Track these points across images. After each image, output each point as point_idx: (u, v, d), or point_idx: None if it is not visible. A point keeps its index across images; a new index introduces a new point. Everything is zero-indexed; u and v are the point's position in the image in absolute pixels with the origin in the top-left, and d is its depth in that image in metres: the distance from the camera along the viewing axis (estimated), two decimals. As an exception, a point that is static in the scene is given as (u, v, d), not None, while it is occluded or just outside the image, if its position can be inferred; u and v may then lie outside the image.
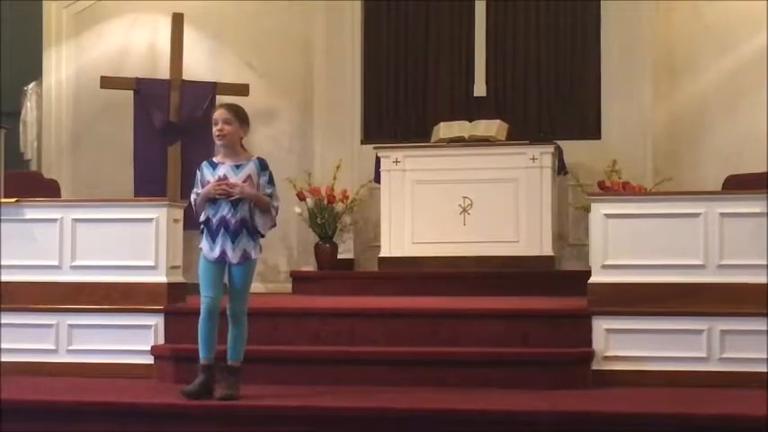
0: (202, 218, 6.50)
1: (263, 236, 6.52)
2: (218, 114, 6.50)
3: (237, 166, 6.46)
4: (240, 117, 6.51)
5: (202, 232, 6.51)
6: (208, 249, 6.44)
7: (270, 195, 6.46)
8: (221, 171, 6.46)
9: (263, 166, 6.51)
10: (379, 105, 10.99)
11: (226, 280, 6.48)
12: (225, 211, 6.40)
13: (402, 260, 9.87)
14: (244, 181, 6.42)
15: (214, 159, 6.58)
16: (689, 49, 10.59)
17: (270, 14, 11.16)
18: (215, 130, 6.48)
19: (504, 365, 6.92)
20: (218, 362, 6.44)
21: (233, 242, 6.39)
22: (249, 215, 6.42)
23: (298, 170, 10.77)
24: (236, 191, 6.37)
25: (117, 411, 6.31)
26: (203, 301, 6.43)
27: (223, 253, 6.40)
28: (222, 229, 6.40)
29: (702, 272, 7.12)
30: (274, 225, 6.59)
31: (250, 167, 6.47)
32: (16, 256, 7.78)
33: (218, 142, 6.52)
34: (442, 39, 10.89)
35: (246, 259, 6.42)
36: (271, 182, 6.50)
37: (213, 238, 6.43)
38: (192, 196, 6.58)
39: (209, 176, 6.49)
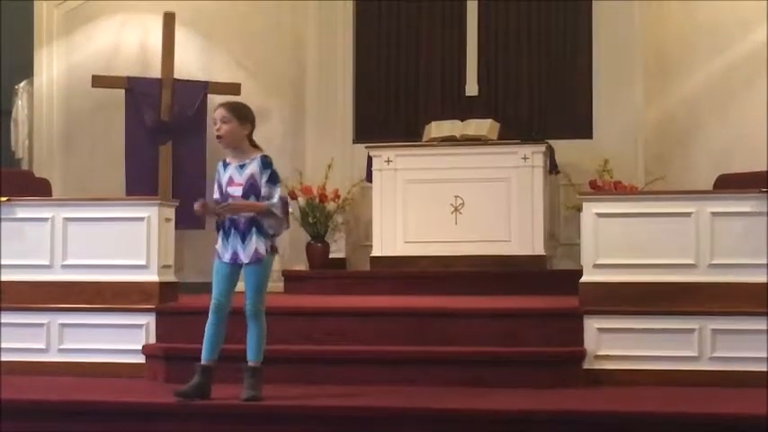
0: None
1: (275, 235, 6.39)
2: (217, 114, 6.37)
3: (242, 166, 6.36)
4: (240, 114, 6.36)
5: (218, 231, 6.45)
6: (222, 250, 6.38)
7: (270, 196, 6.29)
8: (229, 172, 6.39)
9: (264, 164, 6.34)
10: (371, 104, 10.98)
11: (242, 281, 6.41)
12: None
13: (394, 259, 9.87)
14: (247, 181, 6.32)
15: (227, 159, 6.48)
16: (680, 49, 10.60)
17: (261, 13, 11.16)
18: (215, 130, 6.40)
19: (496, 365, 6.92)
20: (218, 363, 6.40)
21: (243, 242, 6.31)
22: (257, 214, 6.31)
23: (289, 169, 10.75)
24: (227, 212, 6.30)
25: (107, 411, 6.29)
26: (211, 301, 6.40)
27: (235, 254, 6.33)
28: (233, 229, 6.33)
29: (694, 271, 7.13)
30: (287, 224, 6.44)
31: (253, 167, 6.34)
32: (7, 255, 7.76)
33: (219, 143, 6.44)
34: (434, 38, 10.88)
35: (258, 259, 6.30)
36: (272, 180, 6.32)
37: (227, 239, 6.36)
38: (215, 195, 6.50)
39: (220, 177, 6.43)
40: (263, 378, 6.35)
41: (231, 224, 6.34)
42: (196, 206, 6.34)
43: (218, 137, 6.36)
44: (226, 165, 6.44)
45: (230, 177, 6.37)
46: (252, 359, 6.35)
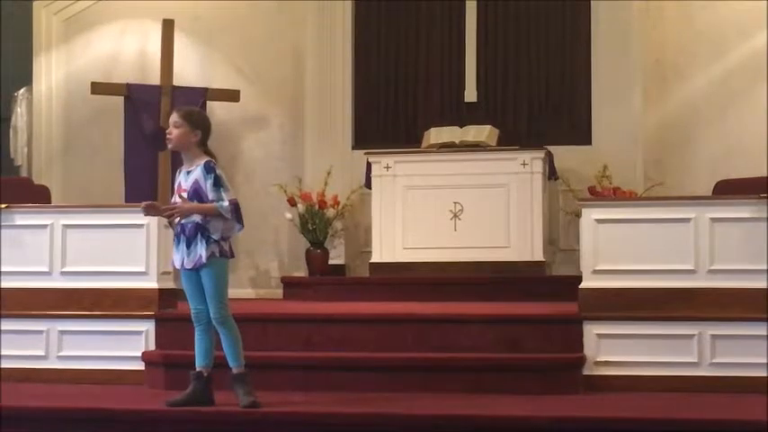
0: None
1: (224, 239, 6.31)
2: (171, 118, 6.40)
3: (189, 172, 6.36)
4: (191, 120, 6.34)
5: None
6: (174, 256, 6.40)
7: (219, 199, 6.22)
8: (180, 178, 6.41)
9: (207, 169, 6.28)
10: (370, 111, 10.98)
11: None
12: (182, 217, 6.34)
13: (393, 266, 9.86)
14: (192, 186, 6.29)
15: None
16: (679, 55, 10.62)
17: (260, 20, 11.18)
18: (167, 133, 6.40)
19: (496, 371, 6.92)
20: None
21: (188, 248, 6.28)
22: (203, 219, 6.27)
23: (289, 176, 10.78)
24: (176, 213, 6.29)
25: (107, 418, 6.28)
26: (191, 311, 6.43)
27: (183, 260, 6.32)
28: (181, 235, 6.33)
29: (693, 277, 7.13)
30: (239, 225, 6.34)
31: (197, 173, 6.30)
32: (6, 262, 7.76)
33: (168, 146, 6.44)
34: (433, 44, 10.89)
35: (203, 264, 6.25)
36: (216, 184, 6.24)
37: (177, 245, 6.36)
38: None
39: (177, 182, 6.44)
40: (252, 382, 6.31)
41: (181, 230, 6.33)
42: (142, 206, 6.40)
43: (168, 140, 6.37)
44: (181, 171, 6.45)
45: (179, 183, 6.38)
46: (233, 366, 6.31)
